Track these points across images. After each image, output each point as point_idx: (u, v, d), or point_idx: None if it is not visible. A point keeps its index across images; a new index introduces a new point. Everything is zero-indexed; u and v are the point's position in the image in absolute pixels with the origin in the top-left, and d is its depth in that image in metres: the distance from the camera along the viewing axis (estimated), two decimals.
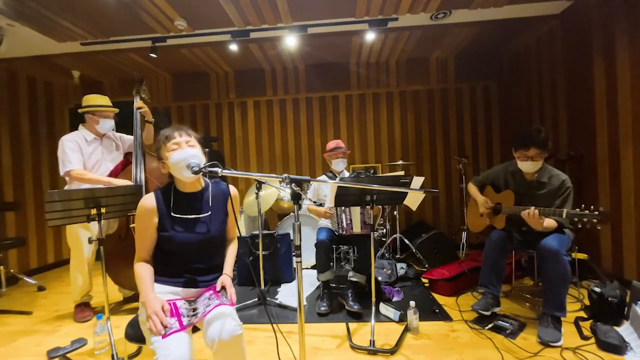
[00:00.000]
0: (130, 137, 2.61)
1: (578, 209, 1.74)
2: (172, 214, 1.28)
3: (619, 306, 1.94)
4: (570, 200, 1.99)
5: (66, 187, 2.38)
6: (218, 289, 1.30)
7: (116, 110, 2.52)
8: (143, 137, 2.52)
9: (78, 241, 2.36)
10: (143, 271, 1.25)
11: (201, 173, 1.23)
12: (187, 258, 1.30)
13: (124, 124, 2.70)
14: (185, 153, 1.24)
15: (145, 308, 1.17)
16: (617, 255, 2.60)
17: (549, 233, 1.96)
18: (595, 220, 1.67)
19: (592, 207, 1.70)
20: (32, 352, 1.97)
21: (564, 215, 1.78)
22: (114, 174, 2.43)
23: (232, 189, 1.43)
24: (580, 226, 1.73)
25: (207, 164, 1.20)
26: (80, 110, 2.43)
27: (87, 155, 2.37)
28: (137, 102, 2.50)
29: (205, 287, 1.34)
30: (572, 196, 2.01)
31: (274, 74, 4.41)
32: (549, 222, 1.94)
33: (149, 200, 1.27)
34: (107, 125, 2.44)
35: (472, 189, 2.43)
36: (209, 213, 1.34)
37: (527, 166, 2.06)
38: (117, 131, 2.63)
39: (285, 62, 4.22)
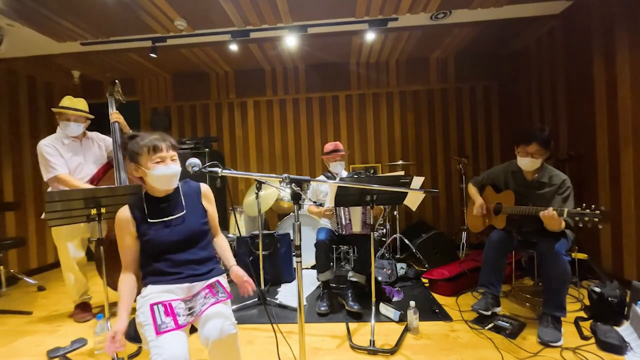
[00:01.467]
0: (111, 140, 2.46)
1: (579, 208, 1.74)
2: (149, 219, 1.30)
3: (619, 306, 1.94)
4: (571, 200, 1.98)
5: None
6: (238, 280, 1.38)
7: (84, 114, 2.37)
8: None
9: (62, 242, 2.35)
10: (122, 286, 1.26)
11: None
12: (174, 255, 1.31)
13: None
14: (169, 169, 1.29)
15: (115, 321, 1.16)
16: (617, 255, 2.60)
17: (550, 233, 1.96)
18: (596, 220, 1.67)
19: (592, 206, 1.70)
20: (32, 352, 1.97)
21: (564, 215, 1.78)
22: (95, 178, 2.37)
23: (203, 186, 1.46)
24: (581, 225, 1.73)
25: (207, 164, 1.22)
26: (54, 110, 2.35)
27: (67, 158, 2.31)
28: (112, 114, 2.37)
29: (199, 281, 1.33)
30: (573, 195, 2.00)
31: (274, 74, 4.41)
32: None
33: (124, 212, 1.30)
34: (70, 129, 2.31)
35: (472, 189, 2.43)
36: (184, 212, 1.37)
37: (526, 163, 2.05)
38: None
39: (285, 62, 4.22)
